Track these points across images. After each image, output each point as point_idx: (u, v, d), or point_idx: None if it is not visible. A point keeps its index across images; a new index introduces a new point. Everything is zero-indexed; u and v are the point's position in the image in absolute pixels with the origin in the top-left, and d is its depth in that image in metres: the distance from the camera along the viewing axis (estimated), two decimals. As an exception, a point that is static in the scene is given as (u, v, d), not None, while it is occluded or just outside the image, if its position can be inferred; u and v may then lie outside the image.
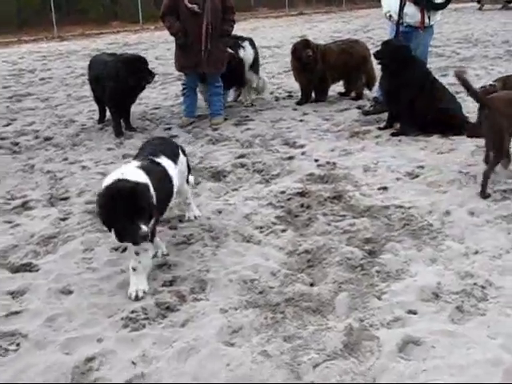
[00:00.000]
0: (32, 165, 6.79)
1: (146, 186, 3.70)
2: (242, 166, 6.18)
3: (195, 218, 4.91)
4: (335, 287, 3.78)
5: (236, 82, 8.58)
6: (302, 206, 5.07)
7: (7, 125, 8.78)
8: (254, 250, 4.35)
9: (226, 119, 8.08)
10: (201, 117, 8.24)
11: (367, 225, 4.60)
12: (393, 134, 6.87)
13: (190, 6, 7.32)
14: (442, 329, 3.28)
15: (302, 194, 5.29)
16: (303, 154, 6.46)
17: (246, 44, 8.64)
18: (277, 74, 11.22)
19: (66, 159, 6.91)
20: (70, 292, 3.93)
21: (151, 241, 3.90)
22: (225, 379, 3.01)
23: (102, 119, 8.37)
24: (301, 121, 7.83)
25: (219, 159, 6.41)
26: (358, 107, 8.30)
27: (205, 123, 7.98)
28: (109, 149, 7.17)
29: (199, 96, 8.30)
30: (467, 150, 6.13)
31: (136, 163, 3.99)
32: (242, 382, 2.98)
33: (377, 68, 8.10)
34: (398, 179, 5.53)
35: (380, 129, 7.15)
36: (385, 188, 5.33)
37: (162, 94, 10.07)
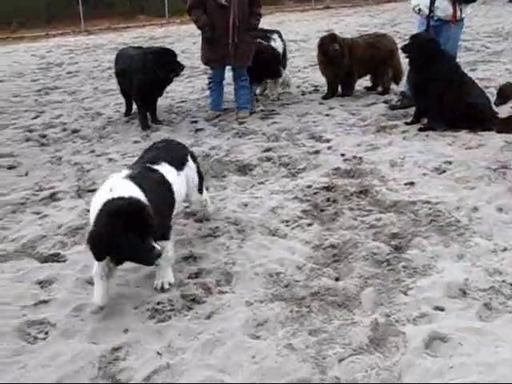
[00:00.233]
0: (60, 157, 6.88)
1: (137, 200, 3.41)
2: (268, 159, 6.17)
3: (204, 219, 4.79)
4: (361, 282, 3.76)
5: (271, 73, 8.38)
6: (328, 200, 5.06)
7: (35, 117, 8.90)
8: (280, 244, 4.35)
9: (252, 113, 8.07)
10: (227, 110, 8.25)
11: (394, 220, 4.57)
12: (420, 129, 6.80)
13: (217, -1, 7.33)
14: (470, 326, 3.25)
15: (328, 189, 5.28)
16: (329, 148, 6.43)
17: (276, 37, 8.64)
18: (303, 68, 11.16)
19: (92, 151, 6.99)
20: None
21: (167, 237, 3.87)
22: (250, 371, 3.02)
23: (128, 112, 8.43)
24: (327, 115, 7.79)
25: (245, 153, 6.41)
26: (385, 102, 8.22)
27: (231, 117, 7.99)
28: (135, 141, 7.23)
29: (225, 89, 8.29)
30: (496, 146, 6.04)
31: (124, 173, 3.70)
32: (267, 374, 2.99)
33: (404, 62, 8.03)
34: (425, 174, 5.48)
35: (407, 124, 7.08)
36: (412, 183, 5.28)
37: (188, 88, 10.10)
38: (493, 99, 6.68)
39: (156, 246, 3.36)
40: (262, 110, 8.19)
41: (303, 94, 9.15)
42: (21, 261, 4.36)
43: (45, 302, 3.79)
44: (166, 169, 3.95)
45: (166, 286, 3.81)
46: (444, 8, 7.27)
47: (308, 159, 6.09)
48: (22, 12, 20.64)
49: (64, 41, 18.06)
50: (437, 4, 7.24)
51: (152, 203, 3.46)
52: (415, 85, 6.92)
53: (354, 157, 6.05)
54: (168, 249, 3.83)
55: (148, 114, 7.85)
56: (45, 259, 4.36)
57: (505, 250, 4.05)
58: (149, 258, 3.39)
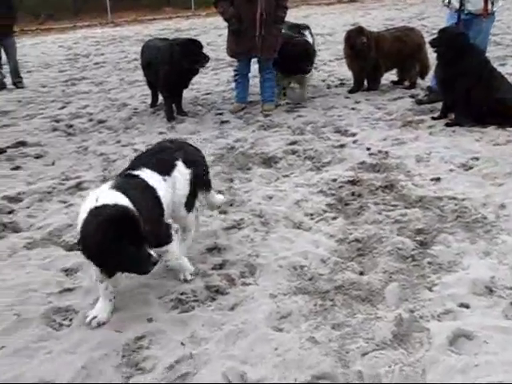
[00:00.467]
0: (86, 147, 6.95)
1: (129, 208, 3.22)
2: (293, 152, 6.16)
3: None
4: (385, 277, 3.74)
5: (303, 69, 7.95)
6: (353, 194, 5.03)
7: (62, 107, 9.01)
8: (304, 237, 4.35)
9: (277, 106, 8.06)
10: (252, 103, 8.24)
11: (419, 215, 4.52)
12: (447, 125, 6.72)
13: (245, -9, 7.32)
14: (496, 324, 3.20)
15: (353, 183, 5.25)
16: (355, 142, 6.40)
17: (307, 33, 8.60)
18: (328, 61, 11.10)
19: (118, 142, 7.05)
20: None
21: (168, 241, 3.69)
22: (272, 363, 3.02)
23: (154, 103, 8.48)
24: (353, 109, 7.75)
25: (270, 145, 6.40)
26: (412, 96, 8.14)
27: (256, 109, 7.98)
28: (160, 133, 7.27)
29: (251, 82, 8.27)
30: (525, 143, 5.95)
31: (109, 184, 3.44)
32: (289, 367, 2.99)
33: (431, 57, 7.94)
34: (451, 170, 5.41)
35: (434, 118, 7.00)
36: (438, 179, 5.23)
37: (214, 80, 10.11)
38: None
39: (152, 253, 3.22)
40: (287, 103, 8.17)
41: (329, 87, 9.11)
42: (47, 249, 4.42)
43: (70, 289, 3.83)
44: (146, 174, 3.64)
45: (189, 278, 3.82)
46: (475, 1, 7.17)
47: (333, 153, 6.07)
48: (51, 4, 20.93)
49: (91, 32, 18.21)
50: None
51: (140, 211, 3.24)
52: (443, 79, 6.84)
53: (380, 151, 6.01)
54: (173, 249, 3.73)
55: (174, 105, 7.88)
56: (70, 247, 4.41)
57: (533, 248, 3.99)
58: (145, 266, 3.22)
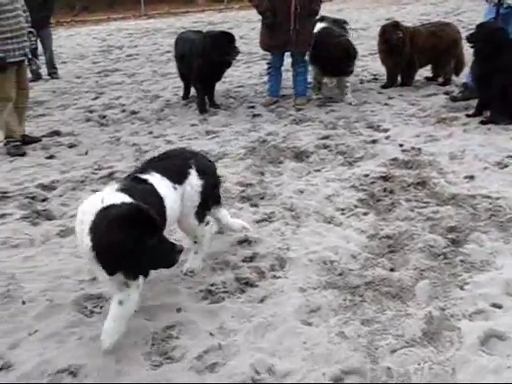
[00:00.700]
0: (118, 137, 7.02)
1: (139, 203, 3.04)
2: (325, 147, 6.13)
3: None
4: (416, 274, 3.71)
5: (345, 70, 7.67)
6: (384, 190, 4.99)
7: (96, 98, 9.12)
8: (335, 232, 4.34)
9: (309, 100, 8.02)
10: (284, 97, 8.21)
11: (451, 213, 4.47)
12: (482, 122, 6.60)
13: (279, -16, 7.28)
14: (529, 326, 3.15)
15: (385, 179, 5.21)
16: (387, 138, 6.34)
17: (347, 28, 8.54)
18: (362, 56, 10.98)
19: (150, 133, 7.11)
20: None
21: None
22: (301, 357, 3.02)
23: (186, 96, 8.51)
24: (386, 104, 7.67)
25: (302, 139, 6.38)
26: (446, 93, 8.02)
27: (288, 103, 7.95)
28: (192, 124, 7.30)
29: (284, 75, 8.25)
30: (563, 142, 5.83)
31: (115, 186, 3.26)
32: (318, 361, 2.98)
33: (467, 53, 7.81)
34: (485, 168, 5.33)
35: (468, 116, 6.88)
36: (471, 177, 5.16)
37: (247, 73, 10.11)
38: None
39: (174, 242, 3.10)
40: (319, 98, 8.13)
41: (362, 82, 9.03)
42: (79, 237, 4.48)
43: (101, 277, 3.88)
44: (156, 179, 3.42)
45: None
46: (515, -5, 7.02)
47: (365, 148, 6.03)
48: (86, -4, 21.13)
49: (124, 24, 18.34)
50: None
51: None
52: (479, 76, 6.71)
53: (413, 148, 5.95)
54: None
55: (206, 98, 7.91)
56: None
57: None
58: (172, 257, 3.04)
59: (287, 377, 2.90)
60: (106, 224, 2.88)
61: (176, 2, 21.94)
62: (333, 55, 7.42)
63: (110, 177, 5.70)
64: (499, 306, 3.35)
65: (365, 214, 4.61)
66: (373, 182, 5.16)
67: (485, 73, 6.54)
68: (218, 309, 3.48)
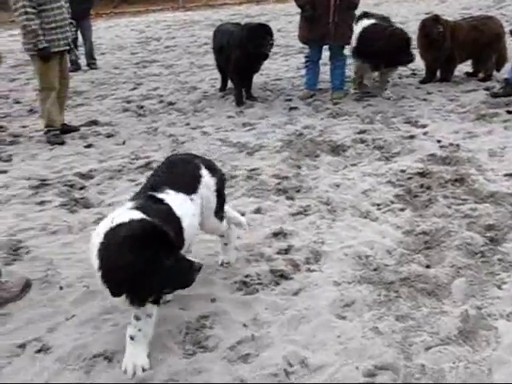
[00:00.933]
0: (155, 128, 7.09)
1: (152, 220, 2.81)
2: (362, 141, 6.09)
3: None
4: (453, 271, 3.66)
5: (405, 59, 7.46)
6: (421, 186, 4.93)
7: (133, 89, 9.23)
8: (371, 227, 4.31)
9: (346, 94, 7.97)
10: (321, 90, 8.16)
11: (490, 211, 4.39)
12: (523, 119, 6.48)
13: (318, -22, 7.23)
14: None
15: (422, 175, 5.15)
16: (425, 133, 6.26)
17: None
18: (400, 50, 10.86)
19: (187, 124, 7.16)
20: (187, 252, 4.05)
21: None
22: (334, 351, 3.01)
23: (223, 88, 8.54)
24: (424, 100, 7.56)
25: (339, 133, 6.35)
26: (486, 89, 7.85)
27: (325, 97, 7.90)
28: (229, 116, 7.33)
29: (321, 69, 8.20)
30: None
31: (130, 205, 3.03)
32: (351, 355, 2.97)
33: (510, 47, 7.64)
34: (526, 166, 5.22)
35: (509, 112, 6.74)
36: (511, 175, 5.05)
37: (284, 66, 10.07)
38: None
39: (193, 259, 2.87)
40: (356, 93, 8.06)
41: (400, 77, 8.91)
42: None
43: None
44: (171, 197, 3.17)
45: (139, 372, 2.99)
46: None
47: (403, 144, 5.96)
48: (125, -12, 21.32)
49: (162, 16, 18.48)
50: None
51: None
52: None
53: (451, 144, 5.85)
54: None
55: (243, 90, 7.92)
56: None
57: None
58: (190, 276, 2.81)
59: (320, 370, 2.90)
60: (115, 246, 2.65)
61: (214, -6, 21.98)
62: (391, 45, 7.16)
63: (147, 167, 5.76)
64: (538, 308, 3.29)
65: (401, 209, 4.56)
66: (410, 178, 5.10)
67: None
68: (252, 300, 3.50)
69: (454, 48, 8.07)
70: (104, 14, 19.48)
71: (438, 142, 5.95)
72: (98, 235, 2.78)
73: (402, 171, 5.24)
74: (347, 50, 7.84)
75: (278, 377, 2.87)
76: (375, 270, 3.73)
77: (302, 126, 6.73)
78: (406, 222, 4.35)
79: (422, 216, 4.43)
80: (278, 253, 4.00)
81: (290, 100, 7.95)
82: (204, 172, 3.44)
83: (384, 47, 7.16)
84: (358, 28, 7.58)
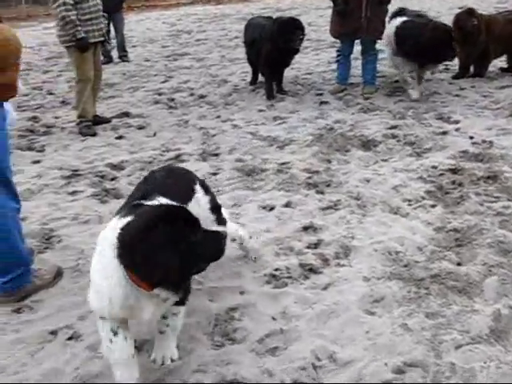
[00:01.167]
0: (186, 120, 7.12)
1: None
2: (393, 137, 6.04)
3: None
4: (484, 270, 3.60)
5: (450, 54, 7.27)
6: (453, 182, 4.87)
7: (164, 81, 9.28)
8: (401, 223, 4.27)
9: (378, 89, 7.91)
10: (353, 85, 8.12)
11: (524, 209, 4.32)
12: (559, 116, 6.35)
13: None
14: None
15: (454, 171, 5.08)
16: (457, 130, 6.18)
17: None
18: (433, 45, 10.72)
19: (218, 117, 7.18)
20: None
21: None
22: (363, 346, 3.00)
23: (254, 81, 8.53)
24: (457, 96, 7.46)
25: (370, 128, 6.30)
26: (522, 85, 7.74)
27: (356, 91, 7.86)
28: (260, 110, 7.33)
29: (352, 63, 8.14)
30: None
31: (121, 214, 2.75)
32: (380, 351, 2.96)
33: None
34: (562, 165, 5.12)
35: (544, 109, 6.63)
36: (547, 173, 4.97)
37: (315, 60, 10.03)
38: None
39: (216, 229, 2.79)
40: (387, 87, 7.98)
41: (432, 72, 8.80)
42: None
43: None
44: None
45: (167, 362, 2.99)
46: None
47: (434, 139, 5.89)
48: (157, -19, 21.43)
49: (193, 10, 18.55)
50: None
51: None
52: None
53: (484, 141, 5.77)
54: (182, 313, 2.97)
55: (274, 84, 7.90)
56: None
57: None
58: (220, 245, 2.69)
59: (348, 365, 2.89)
60: (142, 232, 2.46)
61: (245, -12, 21.97)
62: (435, 39, 6.93)
63: (178, 159, 5.80)
64: None
65: (432, 206, 4.51)
66: (441, 174, 5.04)
67: None
68: (280, 294, 3.49)
69: (489, 42, 7.93)
70: (136, 7, 19.63)
71: (471, 138, 5.87)
72: (104, 240, 2.60)
73: (434, 167, 5.18)
74: (379, 45, 7.77)
75: (306, 370, 2.86)
76: (405, 266, 3.70)
77: (333, 120, 6.70)
78: (437, 218, 4.30)
79: (454, 213, 4.37)
80: (308, 247, 3.99)
81: (320, 94, 7.91)
82: (197, 187, 3.29)
83: (428, 42, 6.90)
84: (394, 23, 7.50)
